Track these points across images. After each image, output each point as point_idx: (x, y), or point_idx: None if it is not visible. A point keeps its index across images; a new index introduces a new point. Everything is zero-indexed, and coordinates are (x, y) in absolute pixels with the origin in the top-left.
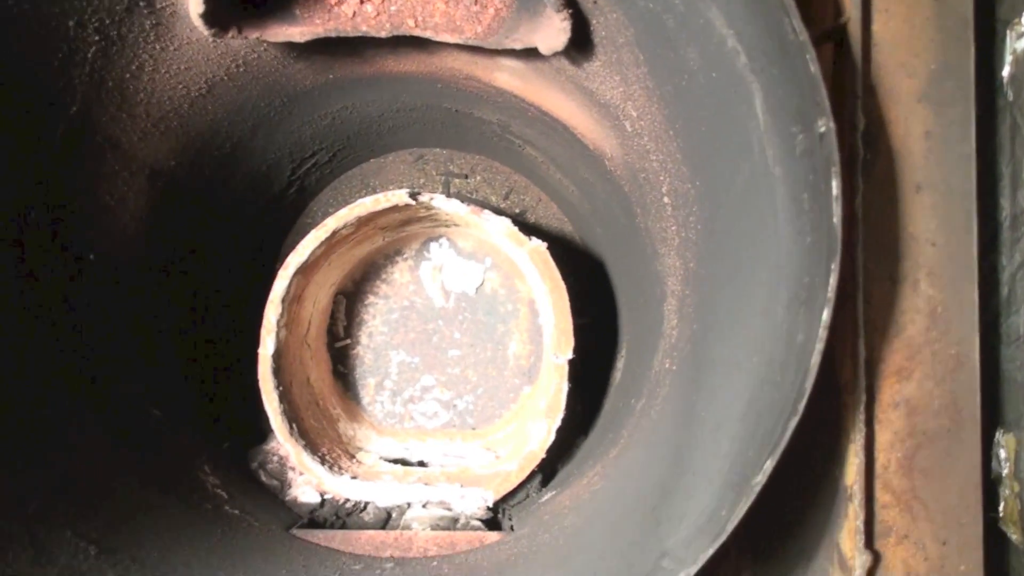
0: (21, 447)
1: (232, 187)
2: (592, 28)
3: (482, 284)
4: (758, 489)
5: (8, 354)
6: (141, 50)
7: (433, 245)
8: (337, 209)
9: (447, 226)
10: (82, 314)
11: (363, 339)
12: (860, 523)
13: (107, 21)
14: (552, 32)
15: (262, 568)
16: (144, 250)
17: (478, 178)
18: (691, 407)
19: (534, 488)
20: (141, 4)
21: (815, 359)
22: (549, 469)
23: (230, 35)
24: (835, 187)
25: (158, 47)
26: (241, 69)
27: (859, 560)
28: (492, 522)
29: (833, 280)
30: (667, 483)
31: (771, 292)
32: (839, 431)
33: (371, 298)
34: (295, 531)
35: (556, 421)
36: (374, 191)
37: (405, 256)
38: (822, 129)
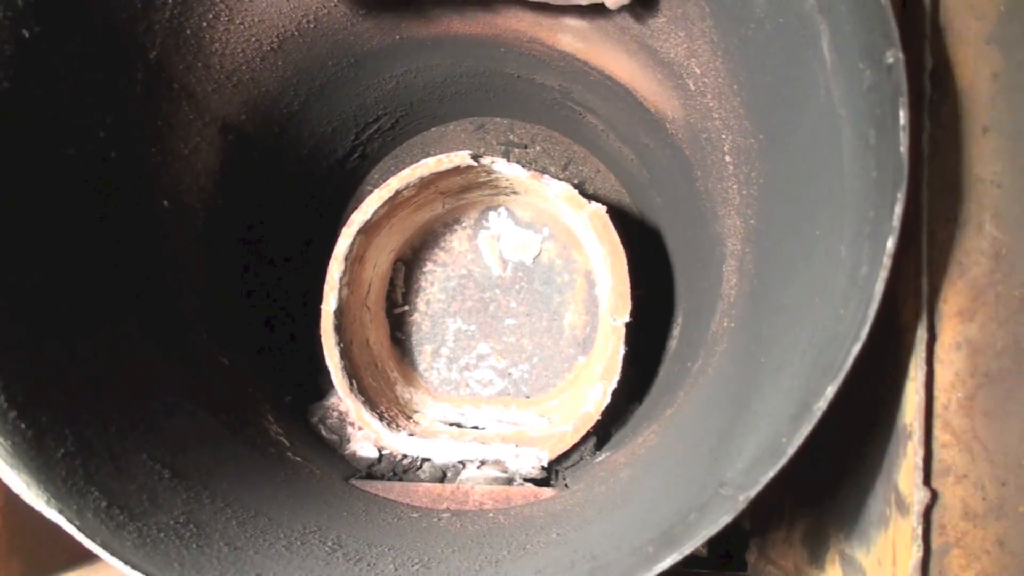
0: (104, 378)
1: (298, 147)
2: None
3: (539, 254)
4: (819, 414)
5: (92, 292)
6: None
7: (492, 214)
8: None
9: (506, 194)
10: (159, 260)
11: (421, 306)
12: (919, 460)
13: None
14: None
15: (324, 510)
16: (215, 201)
17: (537, 148)
18: (750, 356)
19: (588, 451)
20: None
21: (879, 287)
22: (603, 432)
23: None
24: (903, 117)
25: None
26: (311, 25)
27: (917, 497)
28: (545, 483)
29: (899, 209)
30: (724, 428)
31: (833, 233)
32: (899, 371)
33: (429, 266)
34: (354, 482)
35: (612, 383)
36: None
37: (464, 225)
38: (890, 60)
